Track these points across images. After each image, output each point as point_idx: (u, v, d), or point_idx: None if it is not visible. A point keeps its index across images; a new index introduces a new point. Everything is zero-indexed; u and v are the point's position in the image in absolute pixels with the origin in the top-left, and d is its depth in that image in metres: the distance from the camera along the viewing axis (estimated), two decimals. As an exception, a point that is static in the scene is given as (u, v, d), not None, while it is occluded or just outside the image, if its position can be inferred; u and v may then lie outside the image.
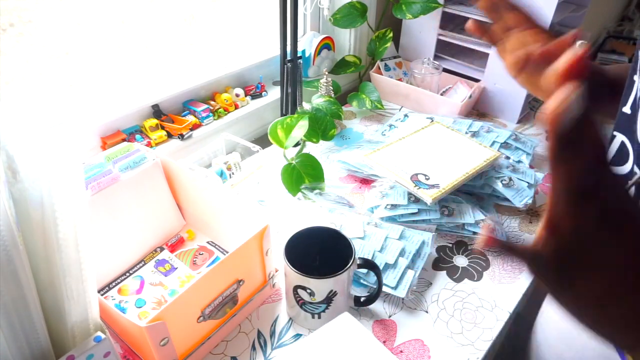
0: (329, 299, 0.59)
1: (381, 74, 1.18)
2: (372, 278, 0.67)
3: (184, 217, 0.77)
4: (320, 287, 0.58)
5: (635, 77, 0.40)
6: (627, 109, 0.40)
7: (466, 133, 0.94)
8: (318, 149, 0.99)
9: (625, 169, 0.40)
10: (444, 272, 0.73)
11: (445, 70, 1.16)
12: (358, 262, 0.61)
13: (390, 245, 0.70)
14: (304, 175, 0.82)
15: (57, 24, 0.73)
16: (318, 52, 1.11)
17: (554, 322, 0.67)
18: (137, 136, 0.85)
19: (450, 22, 1.17)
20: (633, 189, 0.39)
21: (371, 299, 0.64)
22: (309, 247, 0.64)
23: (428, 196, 0.74)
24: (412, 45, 1.23)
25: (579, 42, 0.45)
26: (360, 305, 0.65)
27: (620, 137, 0.41)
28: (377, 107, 1.09)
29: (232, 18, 1.02)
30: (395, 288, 0.66)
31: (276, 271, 0.67)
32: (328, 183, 0.87)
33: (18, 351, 0.43)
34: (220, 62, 1.02)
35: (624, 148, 0.40)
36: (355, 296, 0.65)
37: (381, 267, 0.66)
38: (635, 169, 0.38)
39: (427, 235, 0.73)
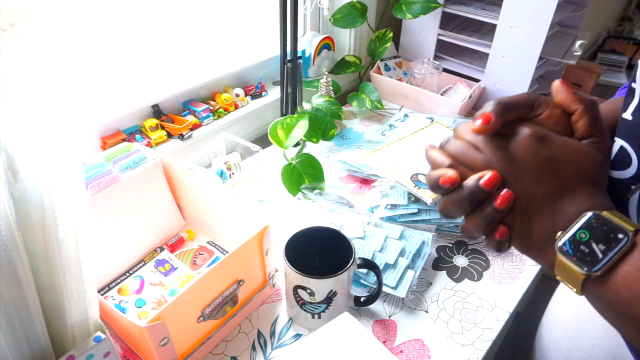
0: (329, 299, 0.59)
1: (381, 74, 1.18)
2: (372, 278, 0.67)
3: (184, 217, 0.77)
4: (320, 287, 0.58)
5: (634, 85, 0.40)
6: (627, 115, 0.40)
7: (466, 133, 0.94)
8: (318, 149, 0.99)
9: (628, 173, 0.40)
10: (444, 272, 0.73)
11: (445, 70, 1.16)
12: (358, 262, 0.61)
13: (390, 245, 0.70)
14: (304, 175, 0.82)
15: (57, 24, 0.73)
16: (318, 52, 1.11)
17: (561, 322, 0.67)
18: (137, 136, 0.85)
19: (450, 22, 1.17)
20: (637, 194, 0.39)
21: (371, 299, 0.64)
22: (309, 247, 0.64)
23: (428, 196, 0.74)
24: (412, 45, 1.23)
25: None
26: (360, 305, 0.65)
27: (619, 142, 0.41)
28: (377, 107, 1.09)
29: (232, 18, 1.02)
30: (395, 288, 0.66)
31: (276, 271, 0.67)
32: (328, 183, 0.87)
33: (18, 351, 0.43)
34: (220, 62, 1.02)
35: (624, 153, 0.40)
36: (355, 296, 0.65)
37: (381, 267, 0.66)
38: None
39: (427, 235, 0.73)
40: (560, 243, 0.33)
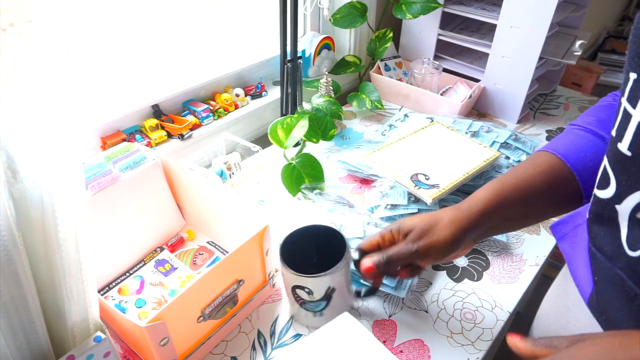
0: (328, 296, 0.59)
1: (381, 74, 1.18)
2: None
3: (184, 217, 0.77)
4: (317, 285, 0.58)
5: (625, 105, 0.39)
6: (614, 133, 0.40)
7: (466, 133, 0.94)
8: (318, 149, 0.99)
9: (608, 193, 0.40)
10: (444, 272, 0.73)
11: (445, 70, 1.16)
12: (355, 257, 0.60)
13: (390, 245, 0.70)
14: (304, 175, 0.82)
15: (57, 24, 0.73)
16: (318, 52, 1.11)
17: (553, 319, 0.67)
18: (137, 136, 0.85)
19: (450, 22, 1.17)
20: (629, 210, 0.38)
21: (372, 290, 0.63)
22: (306, 246, 0.64)
23: (428, 196, 0.74)
24: (412, 45, 1.23)
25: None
26: (361, 297, 0.64)
27: (605, 161, 0.41)
28: (377, 107, 1.09)
29: (232, 18, 1.02)
30: (395, 288, 0.66)
31: (276, 271, 0.67)
32: (328, 183, 0.87)
33: (18, 351, 0.43)
34: (220, 62, 1.02)
35: (605, 172, 0.40)
36: (356, 290, 0.64)
37: (381, 267, 0.66)
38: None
39: (427, 235, 0.73)
40: None
